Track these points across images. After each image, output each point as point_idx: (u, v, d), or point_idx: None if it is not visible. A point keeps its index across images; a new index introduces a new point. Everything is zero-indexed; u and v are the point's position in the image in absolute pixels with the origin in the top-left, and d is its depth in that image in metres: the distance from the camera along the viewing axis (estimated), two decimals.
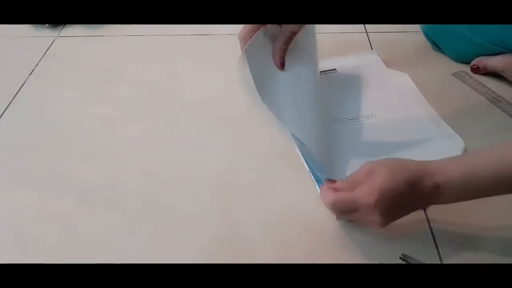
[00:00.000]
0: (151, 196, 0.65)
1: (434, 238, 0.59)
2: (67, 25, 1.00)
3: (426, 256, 0.57)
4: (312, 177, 0.66)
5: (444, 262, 0.56)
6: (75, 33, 0.98)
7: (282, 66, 0.70)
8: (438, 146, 0.69)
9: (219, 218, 0.62)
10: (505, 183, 0.53)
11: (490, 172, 0.53)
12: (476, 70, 0.82)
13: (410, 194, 0.54)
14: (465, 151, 0.68)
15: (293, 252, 0.58)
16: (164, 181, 0.67)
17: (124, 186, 0.67)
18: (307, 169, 0.67)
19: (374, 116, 0.75)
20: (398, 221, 0.60)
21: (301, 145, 0.69)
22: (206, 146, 0.72)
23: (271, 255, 0.58)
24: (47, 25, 0.99)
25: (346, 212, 0.58)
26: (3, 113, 0.79)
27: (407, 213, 0.57)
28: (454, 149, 0.68)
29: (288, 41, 0.68)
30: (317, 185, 0.64)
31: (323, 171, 0.64)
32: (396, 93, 0.80)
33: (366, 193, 0.54)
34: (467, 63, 0.83)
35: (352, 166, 0.61)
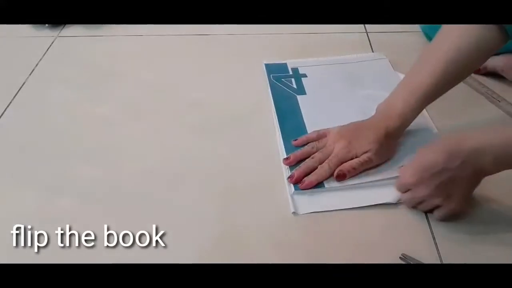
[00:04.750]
0: (151, 196, 0.65)
1: (434, 238, 0.59)
2: (67, 25, 1.00)
3: (426, 256, 0.57)
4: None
5: (444, 262, 0.56)
6: (75, 33, 0.98)
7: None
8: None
9: (219, 218, 0.62)
10: None
11: None
12: (476, 70, 0.82)
13: (446, 161, 0.55)
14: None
15: (293, 252, 0.58)
16: (164, 181, 0.67)
17: (124, 186, 0.67)
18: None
19: None
20: (398, 221, 0.61)
21: None
22: (206, 146, 0.72)
23: (271, 255, 0.58)
24: (47, 25, 0.99)
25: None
26: (3, 113, 0.79)
27: (457, 186, 0.57)
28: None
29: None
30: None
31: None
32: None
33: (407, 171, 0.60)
34: None
35: None
